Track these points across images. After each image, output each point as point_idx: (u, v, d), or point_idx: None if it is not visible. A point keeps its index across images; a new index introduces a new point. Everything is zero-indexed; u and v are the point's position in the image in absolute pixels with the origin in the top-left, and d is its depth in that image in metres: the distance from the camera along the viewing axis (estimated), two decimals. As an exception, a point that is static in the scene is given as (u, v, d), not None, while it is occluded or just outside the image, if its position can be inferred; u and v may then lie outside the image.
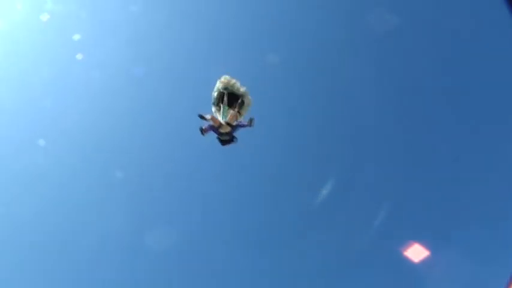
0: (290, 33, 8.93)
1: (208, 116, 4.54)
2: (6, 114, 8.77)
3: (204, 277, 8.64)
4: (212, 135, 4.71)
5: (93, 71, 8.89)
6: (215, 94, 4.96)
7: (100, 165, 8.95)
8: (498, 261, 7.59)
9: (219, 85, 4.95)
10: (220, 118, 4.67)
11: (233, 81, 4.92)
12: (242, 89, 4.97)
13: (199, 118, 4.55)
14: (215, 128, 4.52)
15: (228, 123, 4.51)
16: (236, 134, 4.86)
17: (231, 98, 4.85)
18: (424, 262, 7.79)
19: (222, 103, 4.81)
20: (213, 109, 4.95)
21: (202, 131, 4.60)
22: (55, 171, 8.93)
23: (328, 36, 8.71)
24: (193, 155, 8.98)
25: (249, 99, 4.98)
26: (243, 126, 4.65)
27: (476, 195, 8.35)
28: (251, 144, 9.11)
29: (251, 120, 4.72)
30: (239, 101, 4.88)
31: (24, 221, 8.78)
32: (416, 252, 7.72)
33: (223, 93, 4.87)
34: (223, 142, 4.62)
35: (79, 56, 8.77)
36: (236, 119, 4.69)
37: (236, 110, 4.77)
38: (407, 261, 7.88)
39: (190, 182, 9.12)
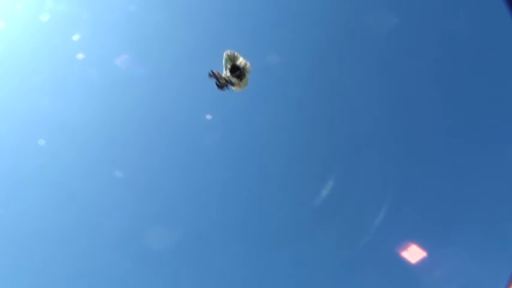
0: (289, 33, 8.94)
1: (216, 72, 5.81)
2: (6, 114, 8.78)
3: (203, 277, 8.68)
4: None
5: (94, 71, 8.92)
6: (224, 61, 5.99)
7: (100, 165, 8.96)
8: (498, 261, 7.61)
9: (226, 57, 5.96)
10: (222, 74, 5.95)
11: (235, 54, 5.91)
12: (243, 63, 5.93)
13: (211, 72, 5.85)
14: (217, 77, 5.78)
15: (224, 79, 5.83)
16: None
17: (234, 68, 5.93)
18: (422, 263, 7.80)
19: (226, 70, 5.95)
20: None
21: (210, 75, 5.80)
22: (55, 171, 8.94)
23: (327, 36, 8.76)
24: (193, 154, 9.05)
25: (247, 69, 5.96)
26: (232, 84, 5.91)
27: (476, 194, 8.38)
28: (251, 145, 9.18)
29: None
30: (238, 72, 5.94)
31: (23, 221, 8.81)
32: (413, 253, 7.74)
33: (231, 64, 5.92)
34: (218, 87, 5.85)
35: (79, 56, 8.79)
36: (231, 78, 5.94)
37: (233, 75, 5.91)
38: (405, 262, 7.90)
39: (189, 181, 9.17)
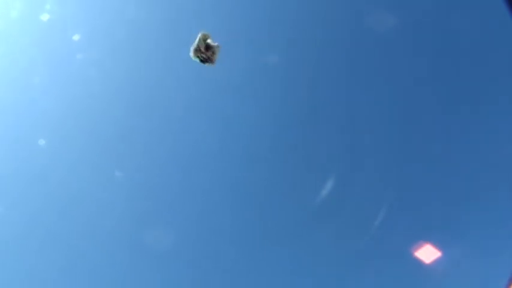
0: (288, 32, 8.96)
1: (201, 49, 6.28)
2: (6, 114, 8.80)
3: (202, 277, 8.68)
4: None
5: (93, 71, 8.94)
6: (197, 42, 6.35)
7: (100, 165, 8.97)
8: (500, 260, 7.58)
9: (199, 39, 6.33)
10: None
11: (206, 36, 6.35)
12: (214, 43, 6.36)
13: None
14: (202, 52, 6.21)
15: (207, 55, 6.25)
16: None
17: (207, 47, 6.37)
18: (435, 262, 7.73)
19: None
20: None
21: (196, 50, 6.20)
22: (55, 171, 8.94)
23: (327, 35, 8.78)
24: (193, 154, 9.04)
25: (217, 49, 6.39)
26: (211, 60, 6.35)
27: (476, 193, 8.36)
28: (250, 144, 9.18)
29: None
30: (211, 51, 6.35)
31: (23, 221, 8.81)
32: (427, 253, 7.63)
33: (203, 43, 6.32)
34: (201, 61, 6.29)
35: (79, 56, 8.82)
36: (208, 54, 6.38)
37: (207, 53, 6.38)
38: (414, 261, 7.85)
39: (189, 180, 9.15)
